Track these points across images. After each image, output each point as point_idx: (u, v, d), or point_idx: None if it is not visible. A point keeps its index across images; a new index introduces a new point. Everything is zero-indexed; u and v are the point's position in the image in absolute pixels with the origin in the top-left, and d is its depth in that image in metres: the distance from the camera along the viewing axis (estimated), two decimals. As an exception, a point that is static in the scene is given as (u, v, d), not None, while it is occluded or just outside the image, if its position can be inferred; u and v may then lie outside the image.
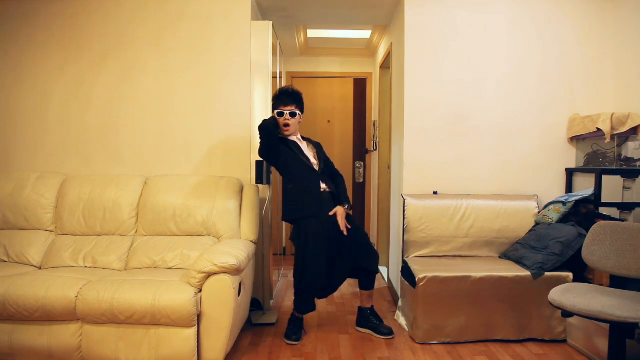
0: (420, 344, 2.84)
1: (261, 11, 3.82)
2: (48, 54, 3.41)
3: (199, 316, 2.38)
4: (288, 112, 2.93)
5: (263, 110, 3.43)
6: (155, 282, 2.46)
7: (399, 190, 3.53)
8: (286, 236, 5.30)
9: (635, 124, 2.94)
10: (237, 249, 2.59)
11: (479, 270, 2.84)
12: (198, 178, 3.18)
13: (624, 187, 2.98)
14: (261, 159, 3.20)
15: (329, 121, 5.55)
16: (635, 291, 2.26)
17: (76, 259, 2.92)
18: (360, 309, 3.09)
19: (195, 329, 2.36)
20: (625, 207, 2.97)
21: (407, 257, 3.22)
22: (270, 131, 2.86)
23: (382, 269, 4.71)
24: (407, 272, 3.04)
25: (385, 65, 4.55)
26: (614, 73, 3.36)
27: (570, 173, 3.35)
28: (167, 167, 3.40)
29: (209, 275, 2.38)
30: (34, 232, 3.08)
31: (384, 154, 4.54)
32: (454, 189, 3.39)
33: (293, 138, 3.02)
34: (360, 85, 5.59)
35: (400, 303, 3.29)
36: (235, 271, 2.41)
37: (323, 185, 2.96)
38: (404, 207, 3.26)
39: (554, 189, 3.38)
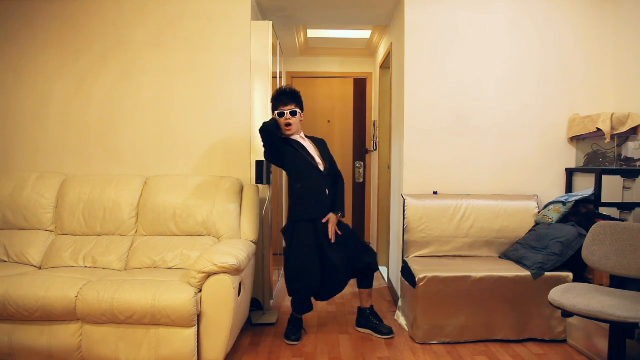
0: (420, 344, 2.84)
1: (261, 11, 3.82)
2: (48, 54, 3.41)
3: (199, 316, 2.38)
4: (288, 112, 2.91)
5: (263, 110, 3.43)
6: (155, 282, 2.46)
7: (399, 190, 3.53)
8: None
9: (635, 124, 2.94)
10: (237, 249, 2.59)
11: (479, 270, 2.84)
12: (198, 178, 3.18)
13: (624, 187, 2.98)
14: (262, 160, 3.21)
15: (329, 121, 5.55)
16: (635, 291, 2.26)
17: (76, 259, 2.92)
18: (360, 309, 3.10)
19: (195, 329, 2.36)
20: (625, 207, 2.97)
21: (407, 257, 3.22)
22: (271, 132, 2.85)
23: (382, 269, 4.71)
24: (407, 272, 3.04)
25: (385, 65, 4.55)
26: (614, 73, 3.36)
27: (570, 173, 3.35)
28: (167, 167, 3.40)
29: (209, 275, 2.38)
30: (34, 232, 3.08)
31: (384, 154, 4.54)
32: (454, 189, 3.39)
33: (296, 137, 2.99)
34: (360, 85, 5.59)
35: (400, 303, 3.29)
36: (235, 271, 2.41)
37: (327, 189, 2.94)
38: (404, 207, 3.26)
39: (554, 189, 3.38)
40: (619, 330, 2.16)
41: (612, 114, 2.98)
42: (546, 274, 2.79)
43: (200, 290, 2.39)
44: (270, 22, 3.46)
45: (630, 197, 2.98)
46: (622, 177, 2.98)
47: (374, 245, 5.22)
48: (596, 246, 2.39)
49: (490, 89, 3.39)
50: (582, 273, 2.87)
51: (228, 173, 3.37)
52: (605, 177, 2.96)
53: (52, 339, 2.39)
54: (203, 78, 3.40)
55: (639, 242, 2.27)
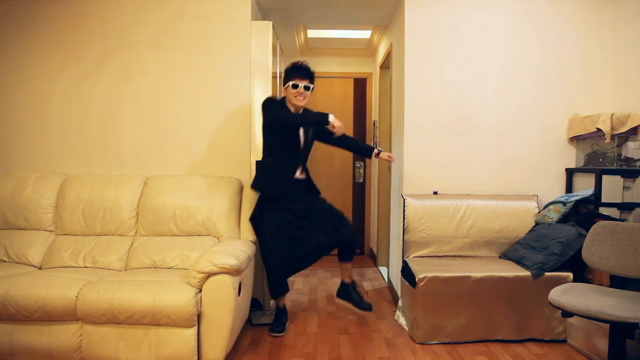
0: (420, 344, 2.84)
1: (261, 11, 3.82)
2: (49, 54, 3.41)
3: (199, 316, 2.38)
4: (303, 86, 2.94)
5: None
6: (155, 282, 2.46)
7: (399, 190, 3.53)
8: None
9: (635, 124, 2.94)
10: (237, 249, 2.59)
11: (479, 270, 2.84)
12: (198, 178, 3.18)
13: (624, 187, 2.98)
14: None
15: (329, 121, 5.54)
16: (635, 291, 2.26)
17: (76, 259, 2.92)
18: (343, 283, 3.15)
19: (195, 329, 2.36)
20: (625, 207, 2.97)
21: (407, 257, 3.22)
22: (296, 124, 2.97)
23: (382, 269, 4.72)
24: (407, 272, 3.04)
25: (385, 65, 4.55)
26: (614, 73, 3.36)
27: (570, 173, 3.35)
28: (167, 167, 3.40)
29: (209, 275, 2.38)
30: (34, 232, 3.08)
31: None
32: (454, 189, 3.39)
33: (297, 111, 3.02)
34: (360, 85, 5.58)
35: (400, 303, 3.29)
36: (236, 271, 2.42)
37: (298, 172, 3.01)
38: (404, 207, 3.26)
39: (554, 189, 3.38)
40: (619, 330, 2.16)
41: (612, 114, 2.98)
42: (546, 274, 2.79)
43: (200, 291, 2.39)
44: (270, 22, 3.46)
45: (630, 197, 2.98)
46: (622, 177, 2.97)
47: (373, 246, 5.22)
48: (596, 246, 2.39)
49: (490, 89, 3.39)
50: (582, 273, 2.87)
51: (228, 173, 3.37)
52: (605, 177, 2.96)
53: (52, 339, 2.39)
54: (203, 78, 3.40)
55: (639, 242, 2.27)
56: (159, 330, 2.35)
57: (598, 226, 2.42)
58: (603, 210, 2.97)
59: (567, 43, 3.38)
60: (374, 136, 5.20)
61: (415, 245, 3.22)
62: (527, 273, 2.80)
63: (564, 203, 3.07)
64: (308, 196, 3.08)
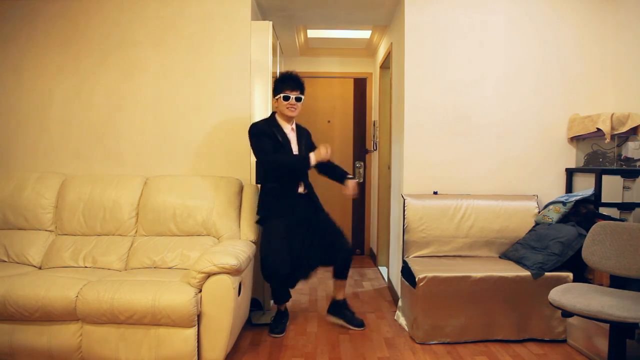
0: (420, 344, 2.84)
1: (261, 11, 3.82)
2: (49, 54, 3.41)
3: (199, 316, 2.38)
4: (294, 97, 2.94)
5: (263, 111, 3.43)
6: (156, 282, 2.46)
7: (399, 190, 3.53)
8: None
9: (635, 124, 2.94)
10: (237, 249, 2.59)
11: (479, 270, 2.84)
12: (198, 178, 3.18)
13: (624, 187, 2.98)
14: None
15: (329, 121, 5.55)
16: (635, 291, 2.26)
17: (76, 259, 2.92)
18: (334, 300, 3.16)
19: (195, 329, 2.36)
20: (625, 207, 2.97)
21: (407, 257, 3.22)
22: (296, 168, 2.96)
23: (382, 269, 4.72)
24: (407, 272, 3.04)
25: (385, 65, 4.55)
26: (613, 73, 3.36)
27: (570, 173, 3.35)
28: (167, 167, 3.40)
29: (209, 275, 2.38)
30: (34, 232, 3.08)
31: (384, 154, 4.54)
32: (454, 189, 3.39)
33: (286, 127, 3.01)
34: (360, 85, 5.58)
35: (400, 303, 3.29)
36: (236, 271, 2.42)
37: (300, 189, 3.01)
38: (404, 207, 3.26)
39: (554, 189, 3.38)
40: (619, 330, 2.16)
41: (612, 114, 2.98)
42: (546, 274, 2.79)
43: (200, 291, 2.39)
44: (270, 22, 3.46)
45: (630, 197, 2.98)
46: (622, 177, 2.97)
47: (373, 246, 5.22)
48: (596, 246, 2.39)
49: (490, 89, 3.39)
50: (582, 273, 2.87)
51: (228, 173, 3.37)
52: (605, 177, 2.96)
53: (52, 339, 2.39)
54: (203, 78, 3.41)
55: (639, 242, 2.27)
56: (159, 330, 2.35)
57: (598, 226, 2.42)
58: (603, 210, 2.97)
59: (567, 43, 3.38)
60: (374, 136, 5.20)
61: (415, 245, 3.23)
62: (527, 273, 2.80)
63: (564, 203, 3.07)
64: (313, 209, 3.07)
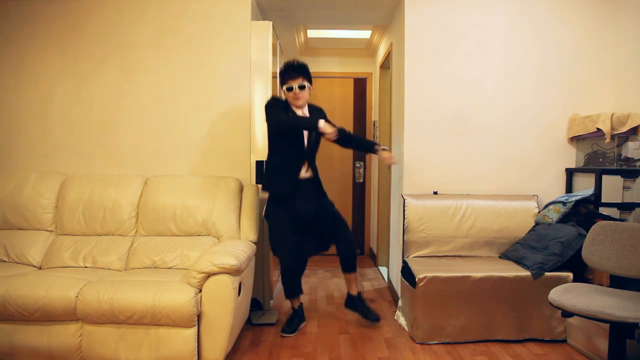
0: (420, 344, 2.84)
1: (261, 11, 3.82)
2: (49, 55, 3.41)
3: (199, 316, 2.38)
4: (297, 86, 2.93)
5: (263, 110, 3.42)
6: (155, 282, 2.46)
7: (399, 190, 3.53)
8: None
9: (635, 124, 2.94)
10: (237, 249, 2.59)
11: (479, 270, 2.84)
12: (198, 178, 3.18)
13: (624, 187, 2.98)
14: (262, 160, 3.21)
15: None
16: (635, 291, 2.26)
17: (76, 259, 2.92)
18: (349, 295, 3.17)
19: (195, 329, 2.36)
20: (625, 207, 2.97)
21: (407, 257, 3.22)
22: (290, 127, 2.94)
23: (382, 269, 4.72)
24: (407, 272, 3.04)
25: (385, 65, 4.55)
26: (613, 73, 3.36)
27: (570, 173, 3.35)
28: (167, 167, 3.40)
29: (209, 275, 2.38)
30: (34, 232, 3.08)
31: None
32: (454, 189, 3.39)
33: (299, 112, 3.01)
34: (360, 85, 5.58)
35: (400, 303, 3.29)
36: (236, 271, 2.41)
37: (303, 171, 2.99)
38: (404, 207, 3.26)
39: (554, 189, 3.38)
40: (619, 330, 2.16)
41: (612, 114, 2.98)
42: (546, 274, 2.79)
43: (200, 291, 2.39)
44: (270, 22, 3.46)
45: (630, 197, 2.97)
46: (622, 177, 2.97)
47: (373, 246, 5.22)
48: (596, 246, 2.39)
49: (490, 89, 3.39)
50: (582, 273, 2.87)
51: (228, 173, 3.37)
52: (605, 177, 2.96)
53: (52, 339, 2.39)
54: (203, 78, 3.41)
55: (639, 242, 2.27)
56: (159, 330, 2.35)
57: (598, 226, 2.42)
58: (603, 210, 2.97)
59: (567, 43, 3.38)
60: (374, 136, 5.20)
61: (415, 245, 3.22)
62: (527, 273, 2.80)
63: (564, 203, 3.07)
64: (316, 196, 3.06)
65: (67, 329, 2.39)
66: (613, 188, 3.01)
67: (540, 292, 2.77)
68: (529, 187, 3.39)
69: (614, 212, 2.98)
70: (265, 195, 3.41)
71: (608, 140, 2.99)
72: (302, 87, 2.94)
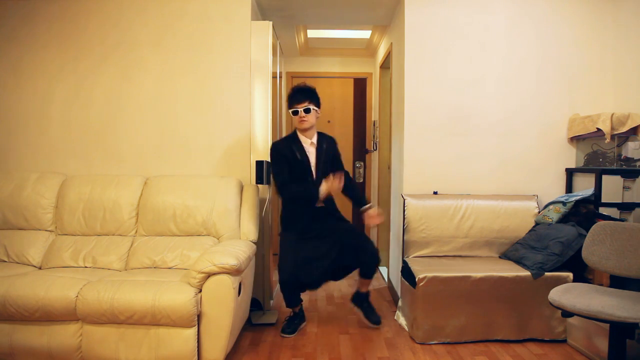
0: (420, 344, 2.84)
1: (261, 11, 3.82)
2: (49, 54, 3.41)
3: (199, 316, 2.38)
4: (302, 109, 2.94)
5: (263, 110, 3.43)
6: (155, 282, 2.46)
7: (399, 190, 3.53)
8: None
9: (635, 124, 2.94)
10: (237, 249, 2.59)
11: (479, 270, 2.84)
12: (198, 178, 3.18)
13: (624, 187, 2.98)
14: (262, 160, 3.21)
15: (329, 121, 5.55)
16: (635, 291, 2.26)
17: (76, 259, 2.92)
18: (358, 292, 3.18)
19: (195, 329, 2.36)
20: (625, 207, 2.97)
21: (407, 257, 3.22)
22: (295, 197, 2.99)
23: (382, 269, 4.71)
24: (407, 272, 3.04)
25: (385, 65, 4.55)
26: (614, 73, 3.36)
27: (570, 173, 3.35)
28: (167, 167, 3.40)
29: (209, 275, 2.38)
30: (34, 232, 3.08)
31: (384, 154, 4.54)
32: (454, 189, 3.39)
33: (305, 140, 3.01)
34: (360, 85, 5.59)
35: (400, 303, 3.29)
36: (236, 272, 2.41)
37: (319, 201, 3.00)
38: (404, 207, 3.26)
39: (554, 189, 3.38)
40: (619, 330, 2.16)
41: (612, 114, 2.98)
42: (546, 274, 2.79)
43: (200, 291, 2.39)
44: (270, 22, 3.46)
45: (630, 197, 2.98)
46: (622, 177, 2.97)
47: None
48: (596, 246, 2.39)
49: (490, 89, 3.39)
50: (582, 273, 2.87)
51: (228, 173, 3.37)
52: (605, 177, 2.96)
53: (52, 339, 2.39)
54: (203, 78, 3.40)
55: (639, 242, 2.27)
56: (159, 330, 2.35)
57: (598, 226, 2.42)
58: (603, 210, 2.97)
59: (567, 43, 3.38)
60: (374, 136, 5.20)
61: (415, 245, 3.23)
62: (527, 273, 2.80)
63: (564, 203, 3.07)
64: (327, 219, 3.06)
65: (67, 329, 2.39)
66: (613, 188, 3.01)
67: (540, 292, 2.77)
68: (529, 187, 3.39)
69: (614, 212, 2.98)
70: (266, 195, 3.42)
71: (608, 140, 2.99)
72: (307, 111, 2.95)
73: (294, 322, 3.05)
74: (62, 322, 2.40)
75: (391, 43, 4.05)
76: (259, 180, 3.21)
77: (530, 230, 3.16)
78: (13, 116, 3.42)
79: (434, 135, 3.39)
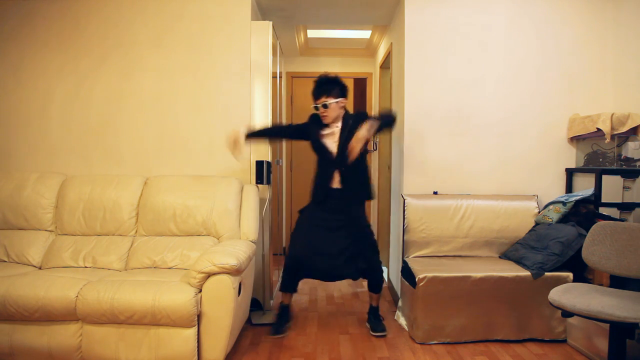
0: (420, 344, 2.84)
1: (261, 11, 3.82)
2: (49, 54, 3.41)
3: (199, 316, 2.38)
4: (321, 105, 2.96)
5: (263, 110, 3.44)
6: (156, 282, 2.46)
7: (399, 190, 3.53)
8: (286, 236, 5.30)
9: (635, 124, 2.94)
10: (237, 249, 2.59)
11: (479, 270, 2.84)
12: (198, 178, 3.18)
13: (624, 187, 2.98)
14: (262, 160, 3.21)
15: (329, 121, 5.55)
16: (635, 291, 2.26)
17: (76, 259, 2.92)
18: (371, 305, 3.17)
19: (195, 329, 2.36)
20: (625, 207, 2.97)
21: (407, 257, 3.22)
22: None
23: (382, 269, 4.71)
24: (407, 272, 3.04)
25: (385, 65, 4.55)
26: (613, 73, 3.36)
27: (570, 173, 3.35)
28: (167, 167, 3.40)
29: (209, 275, 2.38)
30: (34, 232, 3.08)
31: (384, 154, 4.54)
32: (454, 189, 3.39)
33: (331, 128, 3.01)
34: (360, 85, 5.59)
35: (400, 303, 3.29)
36: (236, 272, 2.41)
37: (334, 181, 2.96)
38: (404, 207, 3.26)
39: (554, 189, 3.38)
40: (619, 330, 2.16)
41: (612, 114, 2.98)
42: (546, 274, 2.79)
43: (200, 291, 2.39)
44: (270, 22, 3.46)
45: (630, 197, 2.98)
46: (622, 177, 2.97)
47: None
48: (596, 246, 2.39)
49: (490, 89, 3.39)
50: (582, 273, 2.87)
51: (228, 173, 3.37)
52: (605, 177, 2.96)
53: (52, 339, 2.39)
54: (203, 78, 3.40)
55: (639, 242, 2.27)
56: (159, 330, 2.35)
57: (598, 226, 2.42)
58: (603, 210, 2.97)
59: (567, 43, 3.38)
60: (374, 136, 5.20)
61: (415, 245, 3.23)
62: (527, 273, 2.80)
63: (564, 203, 3.07)
64: (346, 211, 2.99)
65: (67, 329, 2.39)
66: (613, 188, 3.01)
67: (540, 292, 2.77)
68: (529, 187, 3.39)
69: (614, 212, 2.98)
70: (266, 195, 3.43)
71: (608, 140, 2.99)
72: (325, 106, 2.96)
73: (282, 322, 3.04)
74: (62, 322, 2.40)
75: (391, 43, 4.05)
76: (259, 180, 3.21)
77: (530, 230, 3.16)
78: (13, 116, 3.43)
79: (433, 135, 3.39)
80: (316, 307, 3.56)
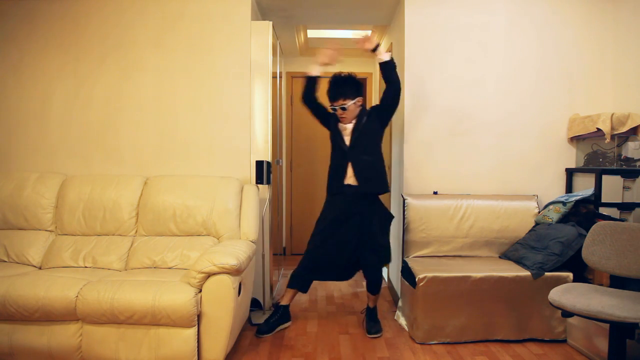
0: (420, 344, 2.84)
1: (261, 11, 3.82)
2: (49, 54, 3.41)
3: (199, 316, 2.38)
4: (339, 107, 2.96)
5: (263, 110, 3.44)
6: (156, 282, 2.46)
7: (399, 190, 3.53)
8: (286, 236, 5.30)
9: (635, 124, 2.94)
10: (237, 249, 2.59)
11: (479, 270, 2.84)
12: (198, 178, 3.18)
13: (624, 187, 2.98)
14: (262, 160, 3.21)
15: (329, 121, 5.54)
16: (635, 291, 2.26)
17: (76, 259, 2.92)
18: (368, 305, 3.17)
19: (195, 329, 2.36)
20: (625, 207, 2.97)
21: (407, 257, 3.22)
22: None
23: (382, 269, 4.71)
24: (407, 272, 3.04)
25: (385, 65, 4.54)
26: (613, 73, 3.36)
27: (570, 173, 3.35)
28: (167, 167, 3.40)
29: (209, 275, 2.38)
30: (34, 232, 3.08)
31: (384, 154, 4.53)
32: (454, 189, 3.39)
33: (346, 124, 3.01)
34: (360, 85, 5.56)
35: (400, 303, 3.29)
36: (236, 272, 2.41)
37: (349, 174, 2.94)
38: (404, 207, 3.26)
39: (554, 189, 3.39)
40: (619, 330, 2.16)
41: (612, 114, 2.98)
42: (546, 274, 2.79)
43: (201, 291, 2.39)
44: (270, 22, 3.46)
45: (630, 197, 2.98)
46: (622, 177, 2.98)
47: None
48: (596, 246, 2.39)
49: (490, 89, 3.39)
50: (582, 273, 2.87)
51: (228, 173, 3.37)
52: (605, 177, 2.96)
53: (52, 339, 2.39)
54: (203, 78, 3.40)
55: (639, 242, 2.27)
56: (159, 330, 2.35)
57: (598, 226, 2.42)
58: (603, 210, 2.97)
59: (567, 43, 3.38)
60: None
61: (415, 245, 3.23)
62: (527, 273, 2.80)
63: (564, 203, 3.07)
64: (363, 203, 2.95)
65: (67, 329, 2.39)
66: (613, 188, 3.01)
67: (540, 292, 2.77)
68: (529, 187, 3.39)
69: (614, 212, 2.98)
70: (266, 195, 3.43)
71: (608, 140, 2.99)
72: (343, 109, 2.95)
73: (270, 321, 3.02)
74: (62, 322, 2.40)
75: (391, 43, 4.05)
76: (259, 180, 3.21)
77: (530, 230, 3.16)
78: (13, 116, 3.43)
79: (434, 135, 3.39)
80: (316, 307, 3.56)
